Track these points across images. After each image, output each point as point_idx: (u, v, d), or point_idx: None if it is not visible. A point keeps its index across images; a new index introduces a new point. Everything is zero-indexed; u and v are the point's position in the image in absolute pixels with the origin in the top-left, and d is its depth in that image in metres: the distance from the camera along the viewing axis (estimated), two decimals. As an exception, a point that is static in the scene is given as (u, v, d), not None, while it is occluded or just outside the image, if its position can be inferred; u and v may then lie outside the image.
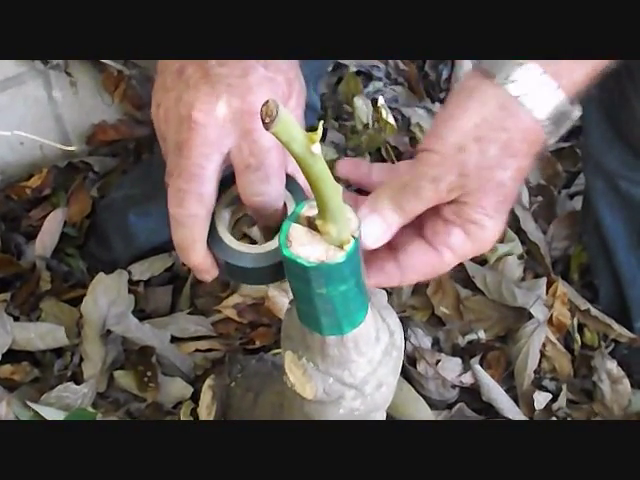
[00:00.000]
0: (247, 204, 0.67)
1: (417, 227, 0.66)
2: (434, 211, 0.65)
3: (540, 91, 0.62)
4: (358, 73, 1.62)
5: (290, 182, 0.68)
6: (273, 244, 0.66)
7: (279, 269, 0.63)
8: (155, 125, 0.67)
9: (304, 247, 0.59)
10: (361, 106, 1.53)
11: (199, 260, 0.66)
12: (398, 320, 0.74)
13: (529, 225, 1.36)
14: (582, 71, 0.63)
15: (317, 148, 0.53)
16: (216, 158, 0.64)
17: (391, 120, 1.52)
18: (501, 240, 1.33)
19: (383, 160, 1.48)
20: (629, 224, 1.17)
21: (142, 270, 1.29)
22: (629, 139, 1.04)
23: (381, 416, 0.77)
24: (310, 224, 0.60)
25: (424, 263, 0.65)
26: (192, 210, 0.64)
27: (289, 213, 0.65)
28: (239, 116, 0.64)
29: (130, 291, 1.23)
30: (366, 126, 1.51)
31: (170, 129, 0.65)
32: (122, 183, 1.38)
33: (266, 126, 0.51)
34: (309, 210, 0.60)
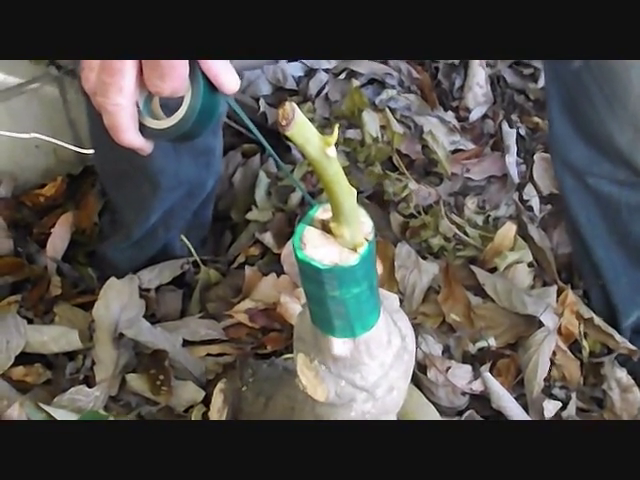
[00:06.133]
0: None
1: None
2: None
3: None
4: (371, 81, 1.63)
5: (194, 73, 0.69)
6: (180, 113, 0.70)
7: (197, 129, 0.69)
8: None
9: (318, 249, 0.60)
10: (369, 121, 1.51)
11: (130, 141, 0.72)
12: (410, 324, 0.74)
13: (535, 232, 1.36)
14: None
15: (332, 151, 0.53)
16: None
17: (398, 129, 1.52)
18: (511, 248, 1.33)
19: (394, 168, 1.48)
20: (605, 222, 1.15)
21: (151, 278, 1.30)
22: (592, 134, 1.04)
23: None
24: (324, 227, 0.61)
25: None
26: (115, 100, 0.69)
27: (187, 101, 0.68)
28: None
29: (140, 296, 1.24)
30: (375, 140, 1.50)
31: None
32: (108, 208, 1.42)
33: (282, 129, 0.51)
34: (323, 213, 0.61)
